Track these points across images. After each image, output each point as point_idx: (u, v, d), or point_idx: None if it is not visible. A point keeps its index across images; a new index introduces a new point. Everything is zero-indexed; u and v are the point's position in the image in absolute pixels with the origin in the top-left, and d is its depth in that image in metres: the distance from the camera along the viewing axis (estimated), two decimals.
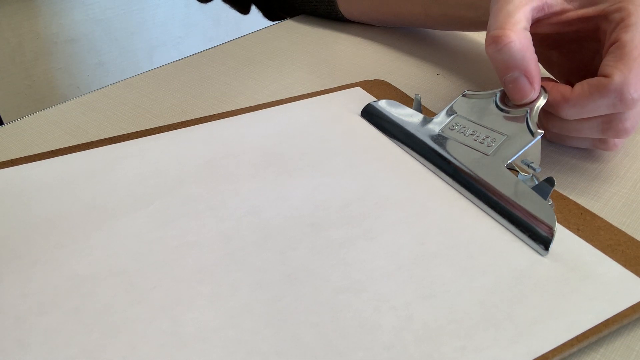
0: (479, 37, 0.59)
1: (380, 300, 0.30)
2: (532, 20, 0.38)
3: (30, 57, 0.97)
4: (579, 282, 0.31)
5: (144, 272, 0.31)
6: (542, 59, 0.43)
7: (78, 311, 0.29)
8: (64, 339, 0.27)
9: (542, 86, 0.38)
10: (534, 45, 0.37)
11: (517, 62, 0.36)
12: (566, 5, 0.38)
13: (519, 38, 0.36)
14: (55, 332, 0.28)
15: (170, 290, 0.30)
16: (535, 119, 0.37)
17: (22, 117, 0.46)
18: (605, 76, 0.35)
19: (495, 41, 0.36)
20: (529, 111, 0.37)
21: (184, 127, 0.43)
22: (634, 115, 0.36)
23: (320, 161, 0.40)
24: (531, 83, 0.37)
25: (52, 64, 1.01)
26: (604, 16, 0.37)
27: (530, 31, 0.38)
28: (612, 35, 0.36)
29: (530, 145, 0.36)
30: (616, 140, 0.38)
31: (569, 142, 0.40)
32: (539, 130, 0.36)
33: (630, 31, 0.35)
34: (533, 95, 0.37)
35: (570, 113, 0.37)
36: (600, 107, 0.35)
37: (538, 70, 0.37)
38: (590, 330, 0.28)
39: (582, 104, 0.36)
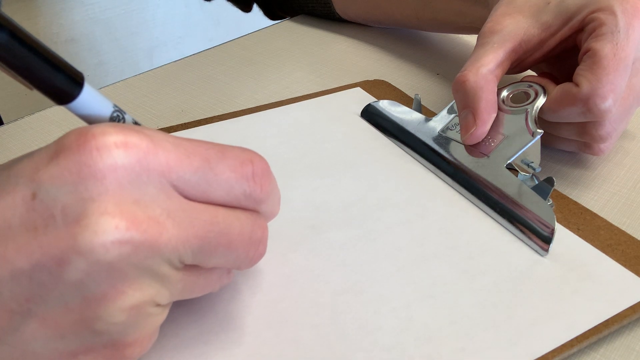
0: None
1: (380, 301, 0.30)
2: (512, 62, 0.39)
3: None
4: (579, 282, 0.31)
5: None
6: (534, 69, 0.44)
7: None
8: None
9: (541, 85, 0.38)
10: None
11: (469, 100, 0.37)
12: (543, 35, 0.38)
13: (474, 79, 0.37)
14: None
15: None
16: (535, 119, 0.37)
17: (22, 117, 0.46)
18: (576, 84, 0.35)
19: (455, 81, 0.38)
20: (528, 111, 0.37)
21: (183, 129, 0.43)
22: (609, 123, 0.36)
23: (320, 162, 0.40)
24: (475, 120, 0.37)
25: None
26: (580, 29, 0.37)
27: (517, 69, 0.40)
28: (585, 44, 0.36)
29: (529, 144, 0.36)
30: (601, 146, 0.38)
31: (555, 144, 0.40)
32: (539, 130, 0.36)
33: (601, 40, 0.35)
34: (476, 133, 0.37)
35: (547, 115, 0.37)
36: (571, 115, 0.36)
37: (488, 111, 0.37)
38: (590, 330, 0.28)
39: (554, 109, 0.36)
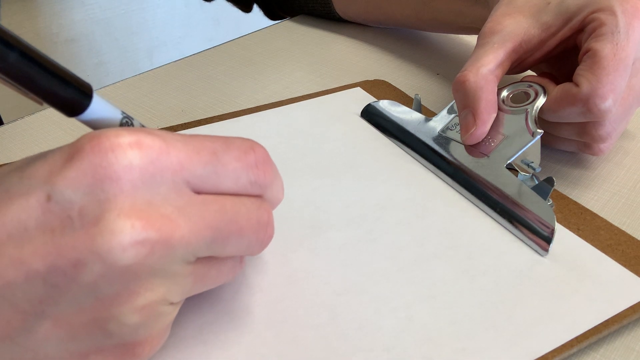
0: None
1: (380, 301, 0.30)
2: (512, 62, 0.39)
3: None
4: (579, 283, 0.31)
5: None
6: (534, 69, 0.44)
7: None
8: None
9: (541, 85, 0.38)
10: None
11: (469, 100, 0.37)
12: (543, 35, 0.38)
13: (475, 79, 0.37)
14: None
15: None
16: (535, 119, 0.37)
17: (22, 117, 0.46)
18: (576, 84, 0.35)
19: (455, 81, 0.38)
20: (528, 111, 0.37)
21: (183, 129, 0.43)
22: (609, 123, 0.36)
23: (320, 162, 0.40)
24: (475, 120, 0.37)
25: None
26: (581, 29, 0.37)
27: (517, 69, 0.40)
28: (585, 44, 0.36)
29: (529, 145, 0.36)
30: (601, 146, 0.38)
31: (554, 144, 0.40)
32: (539, 130, 0.36)
33: (601, 41, 0.35)
34: (476, 133, 0.37)
35: (547, 115, 0.37)
36: (571, 115, 0.36)
37: (488, 111, 0.37)
38: (590, 330, 0.28)
39: (554, 109, 0.36)
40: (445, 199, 0.36)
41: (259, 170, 0.25)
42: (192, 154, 0.23)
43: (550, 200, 0.34)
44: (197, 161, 0.23)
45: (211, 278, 0.25)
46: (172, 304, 0.24)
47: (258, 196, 0.25)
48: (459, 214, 0.35)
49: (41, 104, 0.23)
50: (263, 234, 0.25)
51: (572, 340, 0.28)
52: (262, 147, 0.26)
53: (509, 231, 0.34)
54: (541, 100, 0.37)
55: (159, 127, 0.43)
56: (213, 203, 0.23)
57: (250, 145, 0.25)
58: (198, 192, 0.23)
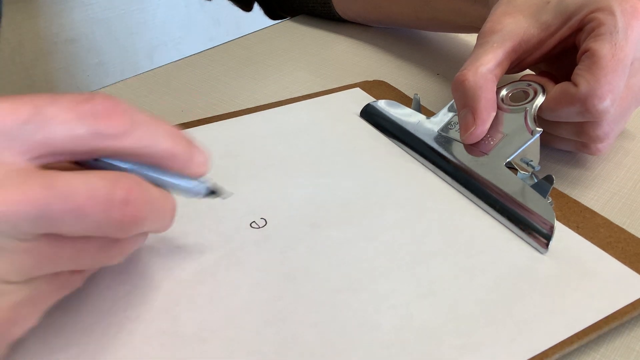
0: None
1: (379, 299, 0.30)
2: (511, 61, 0.39)
3: (30, 57, 0.96)
4: (579, 280, 0.31)
5: (145, 273, 0.31)
6: (533, 69, 0.44)
7: (78, 311, 0.29)
8: (63, 339, 0.28)
9: (540, 84, 0.38)
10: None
11: (468, 100, 0.37)
12: (542, 35, 0.38)
13: (474, 78, 0.37)
14: (54, 331, 0.28)
15: (170, 291, 0.30)
16: (534, 117, 0.37)
17: None
18: (575, 84, 0.35)
19: (455, 80, 0.38)
20: (527, 109, 0.37)
21: (183, 128, 0.43)
22: (607, 123, 0.36)
23: (320, 161, 0.40)
24: (474, 120, 0.37)
25: (52, 64, 1.01)
26: (579, 29, 0.37)
27: (516, 69, 0.40)
28: (584, 44, 0.36)
29: (529, 143, 0.36)
30: (599, 146, 0.38)
31: (553, 143, 0.40)
32: (538, 129, 0.36)
33: (599, 40, 0.35)
34: (475, 132, 0.37)
35: (545, 114, 0.37)
36: (569, 114, 0.36)
37: (488, 110, 0.37)
38: (589, 327, 0.28)
39: (553, 108, 0.37)
40: (444, 197, 0.37)
41: (103, 118, 0.22)
42: (7, 111, 0.20)
43: (550, 198, 0.34)
44: (15, 119, 0.20)
45: (68, 258, 0.23)
46: (11, 282, 0.21)
47: (115, 152, 0.23)
48: (458, 212, 0.35)
49: None
50: (117, 213, 0.22)
51: (571, 337, 0.28)
52: (108, 98, 0.22)
53: (509, 229, 0.34)
54: (540, 99, 0.37)
55: None
56: (40, 177, 0.21)
57: (87, 96, 0.22)
58: (31, 157, 0.21)
